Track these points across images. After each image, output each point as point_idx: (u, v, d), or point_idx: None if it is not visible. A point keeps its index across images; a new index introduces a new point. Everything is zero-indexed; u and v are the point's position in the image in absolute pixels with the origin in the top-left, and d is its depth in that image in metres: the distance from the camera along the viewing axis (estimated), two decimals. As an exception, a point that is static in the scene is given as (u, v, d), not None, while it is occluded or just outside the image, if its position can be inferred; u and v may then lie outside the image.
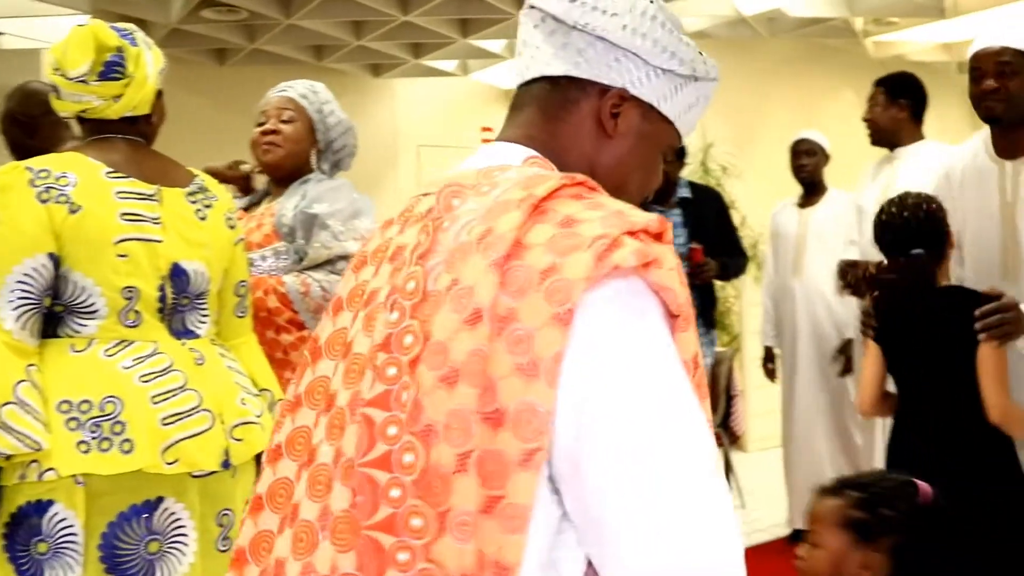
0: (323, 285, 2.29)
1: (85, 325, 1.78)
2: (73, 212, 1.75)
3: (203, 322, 1.93)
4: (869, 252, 3.68)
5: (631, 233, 0.80)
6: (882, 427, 3.42)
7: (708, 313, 4.07)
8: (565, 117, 0.98)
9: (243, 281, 2.05)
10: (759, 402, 5.90)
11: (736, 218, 4.71)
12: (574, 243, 0.79)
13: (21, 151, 2.49)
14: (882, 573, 1.67)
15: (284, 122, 2.46)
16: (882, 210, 2.38)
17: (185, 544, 1.80)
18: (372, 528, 0.79)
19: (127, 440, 1.71)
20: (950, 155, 3.14)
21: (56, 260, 1.75)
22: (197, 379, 1.83)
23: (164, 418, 1.75)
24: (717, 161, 6.70)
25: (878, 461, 3.56)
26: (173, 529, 1.78)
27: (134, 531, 1.74)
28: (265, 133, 2.47)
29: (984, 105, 2.45)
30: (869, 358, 2.46)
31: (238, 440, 1.85)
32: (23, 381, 1.68)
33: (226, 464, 1.82)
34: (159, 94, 1.92)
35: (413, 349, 0.80)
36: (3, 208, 1.74)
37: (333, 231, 2.34)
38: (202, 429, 1.79)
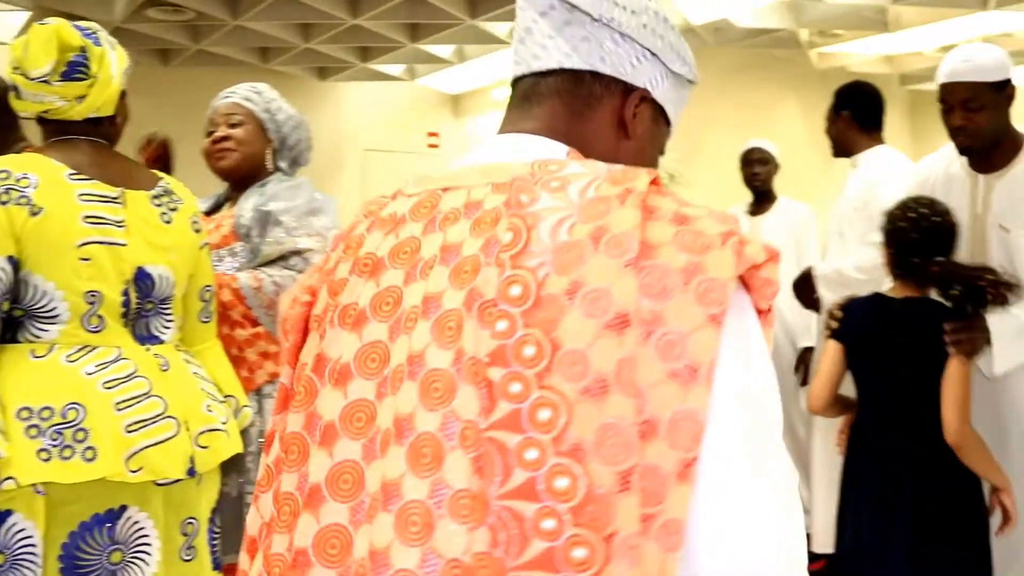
0: (276, 280, 2.26)
1: (46, 330, 1.74)
2: (34, 214, 1.71)
3: (168, 327, 1.90)
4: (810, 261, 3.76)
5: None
6: (823, 424, 3.46)
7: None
8: (589, 114, 0.94)
9: (208, 286, 2.02)
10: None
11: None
12: (705, 241, 0.74)
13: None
14: None
15: (233, 126, 2.43)
16: (918, 214, 2.31)
17: (148, 554, 1.76)
18: (522, 569, 0.70)
19: (90, 448, 1.67)
20: (904, 160, 3.21)
21: (15, 263, 1.71)
22: (162, 385, 1.79)
23: (128, 425, 1.71)
24: (665, 169, 6.78)
25: (816, 454, 3.61)
26: (136, 538, 1.75)
27: (96, 541, 1.70)
28: (216, 141, 2.43)
29: (956, 139, 2.47)
30: (828, 356, 2.44)
31: (204, 448, 1.82)
32: (-20, 388, 1.64)
33: (191, 472, 1.79)
34: (123, 95, 1.89)
35: (539, 360, 0.73)
36: (-39, 210, 1.68)
37: (286, 226, 2.32)
38: (167, 436, 1.75)
